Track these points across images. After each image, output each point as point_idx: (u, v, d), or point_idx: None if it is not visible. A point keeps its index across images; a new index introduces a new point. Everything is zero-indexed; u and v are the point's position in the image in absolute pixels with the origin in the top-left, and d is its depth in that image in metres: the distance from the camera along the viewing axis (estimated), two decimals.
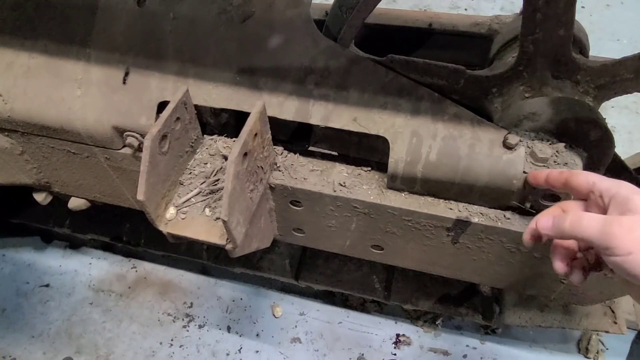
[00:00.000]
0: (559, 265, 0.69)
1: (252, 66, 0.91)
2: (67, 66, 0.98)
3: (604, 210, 0.63)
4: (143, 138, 0.93)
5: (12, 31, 0.99)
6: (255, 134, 0.82)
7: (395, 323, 1.54)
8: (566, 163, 0.81)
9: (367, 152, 1.06)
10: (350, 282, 1.44)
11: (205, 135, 1.00)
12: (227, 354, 1.50)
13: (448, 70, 0.86)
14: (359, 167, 0.97)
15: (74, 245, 1.76)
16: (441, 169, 0.86)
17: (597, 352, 1.43)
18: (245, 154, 0.79)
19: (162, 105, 0.92)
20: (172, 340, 1.53)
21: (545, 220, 0.65)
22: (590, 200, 0.66)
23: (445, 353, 1.48)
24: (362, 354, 1.47)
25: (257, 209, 0.90)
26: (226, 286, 1.63)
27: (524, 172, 0.82)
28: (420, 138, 0.86)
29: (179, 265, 1.68)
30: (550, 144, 0.82)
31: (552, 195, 0.83)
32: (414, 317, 1.54)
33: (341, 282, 1.44)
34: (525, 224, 0.88)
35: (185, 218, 0.88)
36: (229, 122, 1.08)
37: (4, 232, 1.77)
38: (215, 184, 0.91)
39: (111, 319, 1.58)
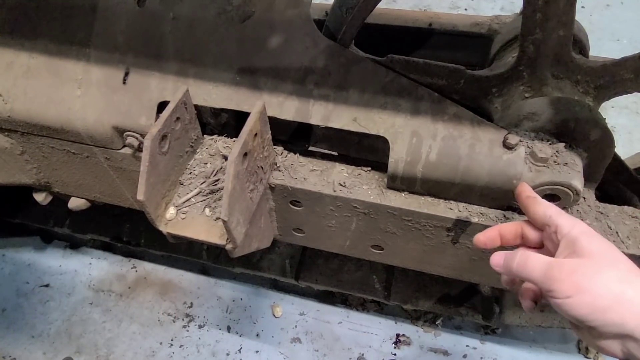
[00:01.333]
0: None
1: (252, 66, 0.91)
2: (67, 66, 0.98)
3: (555, 246, 0.64)
4: (143, 138, 0.93)
5: (12, 31, 0.99)
6: (255, 134, 0.82)
7: (395, 323, 1.54)
8: (566, 163, 0.81)
9: (367, 152, 1.06)
10: (350, 282, 1.44)
11: (205, 135, 1.00)
12: (227, 354, 1.50)
13: (448, 70, 0.86)
14: (359, 167, 0.97)
15: (74, 245, 1.76)
16: (441, 169, 0.86)
17: (597, 352, 1.43)
18: (245, 154, 0.79)
19: (162, 105, 0.92)
20: (172, 340, 1.53)
21: (497, 258, 0.68)
22: (545, 233, 0.68)
23: (445, 353, 1.48)
24: (362, 354, 1.47)
25: (257, 209, 0.90)
26: (226, 286, 1.63)
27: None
28: (420, 138, 0.86)
29: (179, 265, 1.68)
30: (550, 144, 0.82)
31: (552, 195, 0.83)
32: (414, 317, 1.54)
33: (341, 282, 1.44)
34: None
35: (185, 218, 0.88)
36: (229, 122, 1.08)
37: (4, 232, 1.77)
38: (215, 184, 0.91)
39: (111, 319, 1.58)
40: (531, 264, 0.61)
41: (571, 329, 0.67)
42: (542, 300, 0.69)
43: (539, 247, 0.70)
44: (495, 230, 0.73)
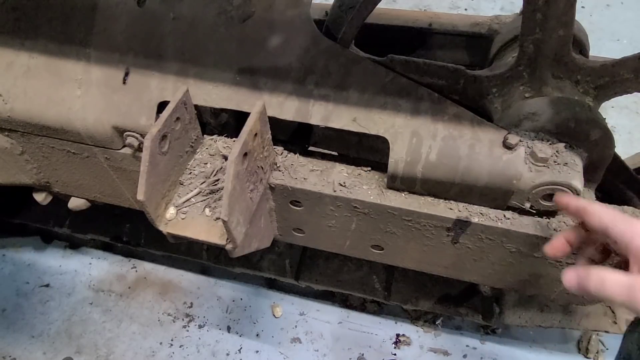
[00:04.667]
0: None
1: (252, 66, 0.91)
2: (67, 66, 0.98)
3: (623, 256, 0.61)
4: (143, 138, 0.93)
5: (12, 31, 0.99)
6: (255, 134, 0.82)
7: (395, 323, 1.54)
8: (566, 163, 0.81)
9: (367, 152, 1.06)
10: (350, 282, 1.44)
11: (205, 135, 1.00)
12: (227, 354, 1.50)
13: (448, 70, 0.86)
14: (359, 167, 0.97)
15: (74, 245, 1.76)
16: (441, 169, 0.86)
17: (597, 352, 1.43)
18: (245, 154, 0.79)
19: (162, 105, 0.92)
20: (172, 340, 1.53)
21: (570, 278, 0.63)
22: (609, 241, 0.64)
23: (445, 353, 1.48)
24: (362, 354, 1.47)
25: (257, 209, 0.90)
26: (226, 286, 1.63)
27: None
28: (420, 138, 0.86)
29: (179, 265, 1.68)
30: (550, 144, 0.82)
31: (552, 195, 0.83)
32: (414, 317, 1.54)
33: (341, 282, 1.44)
34: (525, 223, 0.88)
35: (185, 218, 0.88)
36: (229, 122, 1.08)
37: (4, 232, 1.77)
38: (215, 184, 0.91)
39: (111, 319, 1.58)
40: (610, 288, 0.58)
41: (572, 328, 0.66)
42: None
43: None
44: (560, 238, 0.71)
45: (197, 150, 0.97)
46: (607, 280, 0.58)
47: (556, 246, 0.71)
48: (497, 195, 0.87)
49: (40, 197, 1.25)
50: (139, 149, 0.99)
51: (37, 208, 1.40)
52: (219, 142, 0.98)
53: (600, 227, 0.63)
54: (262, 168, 0.89)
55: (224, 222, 0.76)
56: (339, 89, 0.89)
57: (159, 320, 1.57)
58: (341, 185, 0.93)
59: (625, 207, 0.92)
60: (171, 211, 0.88)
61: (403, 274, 1.42)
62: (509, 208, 0.89)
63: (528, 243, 0.89)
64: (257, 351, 1.49)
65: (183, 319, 1.57)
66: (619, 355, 0.85)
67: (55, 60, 0.98)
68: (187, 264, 1.66)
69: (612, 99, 0.85)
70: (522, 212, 0.88)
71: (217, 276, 1.66)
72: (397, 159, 0.87)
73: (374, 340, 1.50)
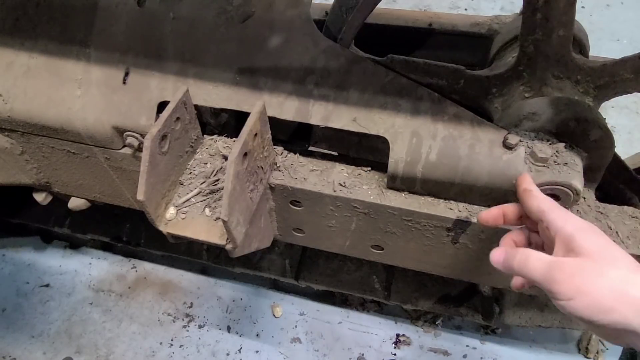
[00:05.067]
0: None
1: (252, 66, 0.91)
2: (67, 66, 0.98)
3: (551, 242, 0.64)
4: (143, 138, 0.93)
5: (12, 31, 0.99)
6: (255, 134, 0.82)
7: (395, 323, 1.54)
8: (566, 163, 0.81)
9: (367, 152, 1.06)
10: (350, 282, 1.44)
11: (205, 135, 1.00)
12: (227, 354, 1.50)
13: (448, 70, 0.86)
14: (359, 167, 0.97)
15: (74, 245, 1.76)
16: (441, 169, 0.86)
17: (597, 352, 1.43)
18: (245, 154, 0.79)
19: (162, 105, 0.92)
20: (172, 340, 1.53)
21: (498, 254, 0.68)
22: (540, 226, 0.68)
23: (445, 353, 1.48)
24: (362, 354, 1.47)
25: (257, 209, 0.90)
26: (226, 286, 1.63)
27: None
28: (420, 138, 0.86)
29: (179, 265, 1.68)
30: (550, 144, 0.82)
31: (552, 195, 0.83)
32: (414, 317, 1.54)
33: (341, 282, 1.44)
34: None
35: (185, 218, 0.88)
36: (229, 122, 1.08)
37: (4, 232, 1.77)
38: (215, 184, 0.91)
39: (111, 319, 1.58)
40: (532, 264, 0.61)
41: (572, 328, 0.68)
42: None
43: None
44: (499, 209, 0.74)
45: (197, 150, 0.97)
46: (530, 257, 0.62)
47: (493, 214, 0.75)
48: (497, 196, 0.87)
49: (40, 197, 1.25)
50: (139, 149, 0.99)
51: (37, 208, 1.39)
52: (219, 142, 0.98)
53: (538, 210, 0.67)
54: (262, 168, 0.89)
55: (224, 222, 0.76)
56: (339, 89, 0.89)
57: (159, 320, 1.57)
58: (341, 185, 0.93)
59: (625, 207, 0.92)
60: (171, 211, 0.88)
61: (403, 274, 1.42)
62: None
63: None
64: (257, 351, 1.49)
65: (183, 319, 1.57)
66: (623, 352, 0.85)
67: (55, 60, 0.98)
68: (187, 264, 1.66)
69: (612, 99, 0.85)
70: None
71: (217, 276, 1.66)
72: (397, 159, 0.87)
73: (374, 340, 1.50)
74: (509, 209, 0.75)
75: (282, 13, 0.88)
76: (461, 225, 0.90)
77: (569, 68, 0.81)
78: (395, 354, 1.48)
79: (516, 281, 0.73)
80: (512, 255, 0.65)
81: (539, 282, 0.60)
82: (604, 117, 0.82)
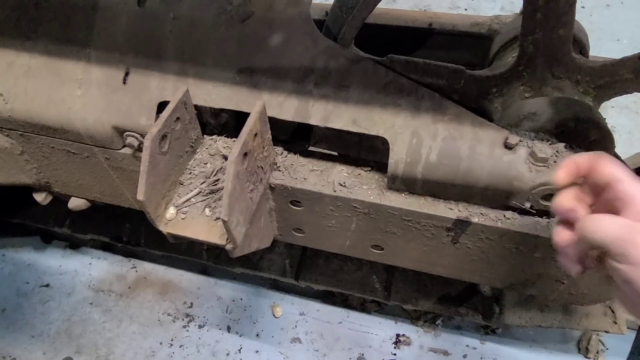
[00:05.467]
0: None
1: (252, 66, 0.91)
2: (67, 66, 0.98)
3: (609, 210, 0.60)
4: (143, 138, 0.93)
5: (12, 31, 0.99)
6: (255, 134, 0.82)
7: (395, 323, 1.54)
8: None
9: (367, 152, 1.06)
10: (350, 282, 1.44)
11: (205, 135, 1.00)
12: (227, 354, 1.50)
13: (448, 70, 0.86)
14: (359, 167, 0.97)
15: (74, 245, 1.76)
16: (441, 169, 0.86)
17: (597, 352, 1.43)
18: (245, 154, 0.79)
19: (162, 105, 0.92)
20: (172, 340, 1.53)
21: (561, 229, 0.64)
22: (600, 197, 0.63)
23: (445, 353, 1.48)
24: (362, 354, 1.47)
25: (257, 209, 0.90)
26: (226, 286, 1.63)
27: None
28: (420, 138, 0.86)
29: (179, 265, 1.68)
30: (550, 144, 0.82)
31: (552, 195, 0.83)
32: (414, 317, 1.54)
33: (341, 282, 1.44)
34: (525, 223, 0.88)
35: (185, 218, 0.88)
36: (229, 122, 1.08)
37: (4, 232, 1.77)
38: (215, 184, 0.91)
39: (111, 319, 1.58)
40: (606, 225, 0.57)
41: (572, 328, 0.66)
42: (591, 265, 0.64)
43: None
44: (572, 162, 0.65)
45: (197, 150, 0.97)
46: (603, 220, 0.58)
47: (569, 167, 0.65)
48: (498, 196, 0.87)
49: (40, 197, 1.26)
50: (139, 149, 0.99)
51: (37, 208, 1.40)
52: (219, 142, 0.99)
53: (611, 177, 0.61)
54: (262, 168, 0.89)
55: (224, 222, 0.76)
56: (339, 89, 0.89)
57: (159, 320, 1.57)
58: (341, 185, 0.93)
59: None
60: (171, 211, 0.88)
61: (403, 274, 1.42)
62: (509, 208, 0.89)
63: (528, 243, 0.89)
64: (257, 351, 1.49)
65: (183, 319, 1.57)
66: (634, 346, 0.84)
67: (55, 60, 0.98)
68: (187, 264, 1.66)
69: (612, 99, 0.85)
70: (522, 212, 0.88)
71: (217, 276, 1.66)
72: (397, 159, 0.87)
73: (374, 340, 1.50)
74: (582, 158, 0.65)
75: (282, 13, 0.88)
76: (461, 225, 0.90)
77: (569, 68, 0.81)
78: (395, 354, 1.48)
79: (575, 256, 0.64)
80: (581, 222, 0.60)
81: (611, 242, 0.56)
82: (604, 117, 0.82)
